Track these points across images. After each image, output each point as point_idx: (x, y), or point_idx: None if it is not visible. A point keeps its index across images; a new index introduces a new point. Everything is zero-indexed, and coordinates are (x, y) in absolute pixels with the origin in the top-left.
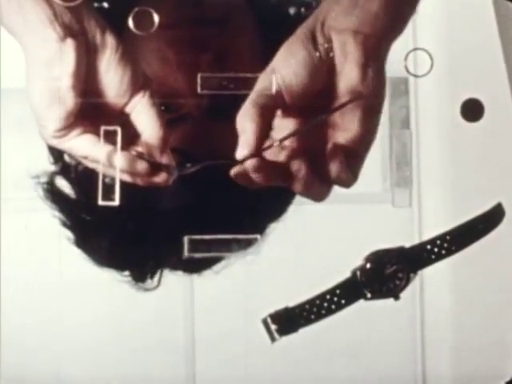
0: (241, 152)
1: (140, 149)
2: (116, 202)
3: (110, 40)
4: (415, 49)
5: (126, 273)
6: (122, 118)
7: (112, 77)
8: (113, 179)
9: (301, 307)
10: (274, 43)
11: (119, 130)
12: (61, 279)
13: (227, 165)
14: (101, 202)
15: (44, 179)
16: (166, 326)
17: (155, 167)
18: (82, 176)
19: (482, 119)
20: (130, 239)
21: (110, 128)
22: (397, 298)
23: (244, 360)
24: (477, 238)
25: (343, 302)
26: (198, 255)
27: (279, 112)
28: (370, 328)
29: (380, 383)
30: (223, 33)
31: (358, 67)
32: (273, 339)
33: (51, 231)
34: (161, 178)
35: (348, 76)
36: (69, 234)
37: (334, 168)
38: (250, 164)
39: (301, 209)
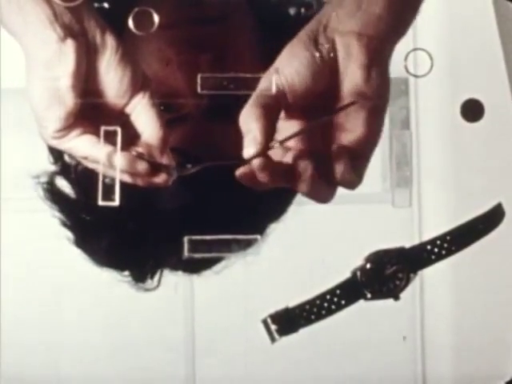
0: (247, 151)
1: (140, 149)
2: (116, 203)
3: (110, 40)
4: (415, 49)
5: (126, 273)
6: (122, 118)
7: (112, 77)
8: (113, 179)
9: (301, 307)
10: (274, 43)
11: (119, 130)
12: (61, 279)
13: (227, 165)
14: (101, 202)
15: (44, 179)
16: (166, 326)
17: (155, 167)
18: (82, 176)
19: (482, 119)
20: (129, 239)
21: (110, 128)
22: (397, 298)
23: (244, 360)
24: (477, 238)
25: (343, 302)
26: (197, 255)
27: (283, 114)
28: (370, 328)
29: (380, 383)
30: (223, 33)
31: (362, 69)
32: (273, 339)
33: (51, 231)
34: (161, 179)
35: (352, 78)
36: (69, 234)
37: (339, 169)
38: (256, 163)
39: (301, 209)
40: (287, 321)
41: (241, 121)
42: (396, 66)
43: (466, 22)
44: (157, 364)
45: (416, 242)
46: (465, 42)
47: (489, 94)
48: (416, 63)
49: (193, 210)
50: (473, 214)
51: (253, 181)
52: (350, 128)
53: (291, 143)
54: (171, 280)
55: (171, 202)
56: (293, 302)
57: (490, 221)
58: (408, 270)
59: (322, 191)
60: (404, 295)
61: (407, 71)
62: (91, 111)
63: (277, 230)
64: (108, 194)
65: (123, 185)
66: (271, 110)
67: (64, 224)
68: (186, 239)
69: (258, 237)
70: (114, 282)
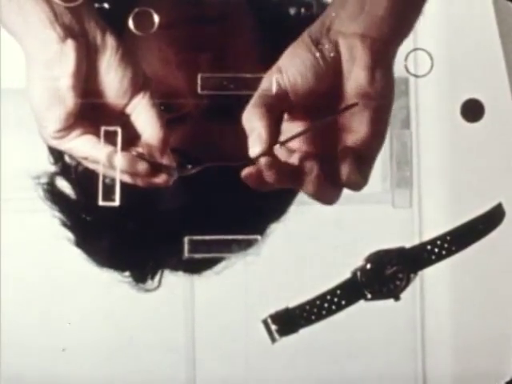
0: (253, 150)
1: (140, 149)
2: (116, 203)
3: (111, 41)
4: (415, 49)
5: (127, 273)
6: (122, 118)
7: (112, 77)
8: (113, 180)
9: (301, 308)
10: (274, 43)
11: (119, 130)
12: (61, 280)
13: (227, 166)
14: (101, 203)
15: (44, 180)
16: (166, 327)
17: (155, 168)
18: (82, 176)
19: (482, 119)
20: (130, 240)
21: (111, 129)
22: (397, 298)
23: (244, 360)
24: (477, 239)
25: (343, 302)
26: (198, 256)
27: (286, 116)
28: (370, 328)
29: (380, 383)
30: (223, 32)
31: (367, 71)
32: (273, 340)
33: (51, 231)
34: (161, 179)
35: (356, 79)
36: (69, 234)
37: (345, 171)
38: (263, 162)
39: (301, 209)
40: (287, 321)
41: (244, 120)
42: (396, 66)
43: (466, 22)
44: (157, 364)
45: (416, 242)
46: (465, 42)
47: (489, 94)
48: (416, 63)
49: (193, 210)
50: (473, 214)
51: (259, 181)
52: (355, 129)
53: (296, 144)
54: (171, 280)
55: (171, 203)
56: (293, 303)
57: (490, 221)
58: (408, 271)
59: (328, 192)
60: (404, 295)
61: (407, 71)
62: (91, 111)
63: (277, 230)
64: (108, 194)
65: (123, 185)
66: (274, 110)
67: (64, 224)
68: (186, 239)
69: (259, 237)
70: (114, 283)
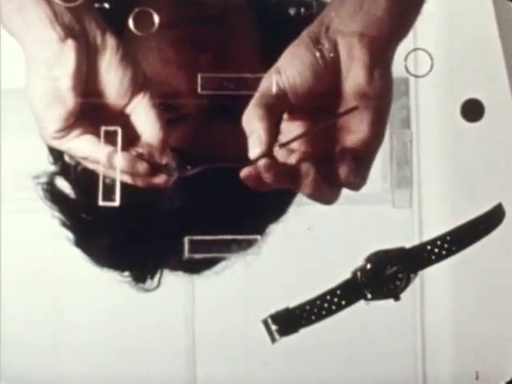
0: (253, 152)
1: (140, 150)
2: (116, 203)
3: (111, 41)
4: (415, 49)
5: (126, 273)
6: (122, 118)
7: (112, 77)
8: (113, 180)
9: (301, 308)
10: (274, 43)
11: (119, 130)
12: (61, 279)
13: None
14: (101, 203)
15: (44, 179)
16: (166, 327)
17: (155, 168)
18: (82, 176)
19: (482, 119)
20: (130, 240)
21: (111, 129)
22: (397, 298)
23: (244, 360)
24: (477, 239)
25: (344, 302)
26: (198, 256)
27: (286, 115)
28: (370, 328)
29: (380, 383)
30: (223, 32)
31: (365, 70)
32: (273, 340)
33: (51, 231)
34: (161, 179)
35: (355, 79)
36: (69, 234)
37: (343, 171)
38: (262, 163)
39: (301, 209)
40: (288, 321)
41: (244, 121)
42: (396, 66)
43: (466, 23)
44: (157, 364)
45: (416, 242)
46: (465, 43)
47: (489, 94)
48: (416, 63)
49: (193, 210)
50: (473, 214)
51: (257, 181)
52: (354, 129)
53: (295, 145)
54: (171, 280)
55: (171, 203)
56: (293, 303)
57: (490, 221)
58: (408, 271)
59: (326, 193)
60: (404, 295)
61: (407, 71)
62: (91, 111)
63: (277, 230)
64: (108, 194)
65: (123, 185)
66: (274, 110)
67: (64, 224)
68: (186, 239)
69: (258, 237)
70: (114, 283)
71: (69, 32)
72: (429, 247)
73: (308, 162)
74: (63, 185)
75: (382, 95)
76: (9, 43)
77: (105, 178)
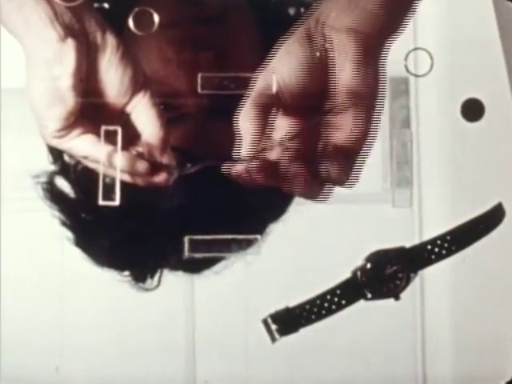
0: (243, 152)
1: (140, 149)
2: (116, 202)
3: (111, 40)
4: (415, 48)
5: (126, 273)
6: (122, 117)
7: (112, 77)
8: (113, 179)
9: (301, 307)
10: (274, 43)
11: (119, 129)
12: (61, 279)
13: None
14: (101, 202)
15: (44, 179)
16: (166, 326)
17: (155, 167)
18: (82, 176)
19: (482, 119)
20: (130, 239)
21: (111, 128)
22: (397, 298)
23: (244, 360)
24: (477, 238)
25: (344, 302)
26: (198, 255)
27: (280, 112)
28: (370, 328)
29: (380, 383)
30: (223, 32)
31: (356, 66)
32: (273, 339)
33: (51, 231)
34: (161, 178)
35: (346, 75)
36: (69, 233)
37: (330, 168)
38: (252, 164)
39: (301, 209)
40: (288, 320)
41: (237, 121)
42: (396, 66)
43: (466, 22)
44: (157, 364)
45: (416, 241)
46: (465, 42)
47: (489, 94)
48: (416, 63)
49: (193, 209)
50: (473, 214)
51: (248, 180)
52: (341, 126)
53: (285, 142)
54: (171, 280)
55: (171, 202)
56: (293, 302)
57: (490, 221)
58: (408, 270)
59: (315, 191)
60: (404, 295)
61: (407, 71)
62: (92, 111)
63: (277, 230)
64: (108, 193)
65: (123, 184)
66: (267, 110)
67: (64, 224)
68: (186, 239)
69: (258, 237)
70: (114, 282)
71: (69, 31)
72: (429, 247)
73: (297, 159)
74: (63, 184)
75: (371, 92)
76: (9, 43)
77: (105, 177)
